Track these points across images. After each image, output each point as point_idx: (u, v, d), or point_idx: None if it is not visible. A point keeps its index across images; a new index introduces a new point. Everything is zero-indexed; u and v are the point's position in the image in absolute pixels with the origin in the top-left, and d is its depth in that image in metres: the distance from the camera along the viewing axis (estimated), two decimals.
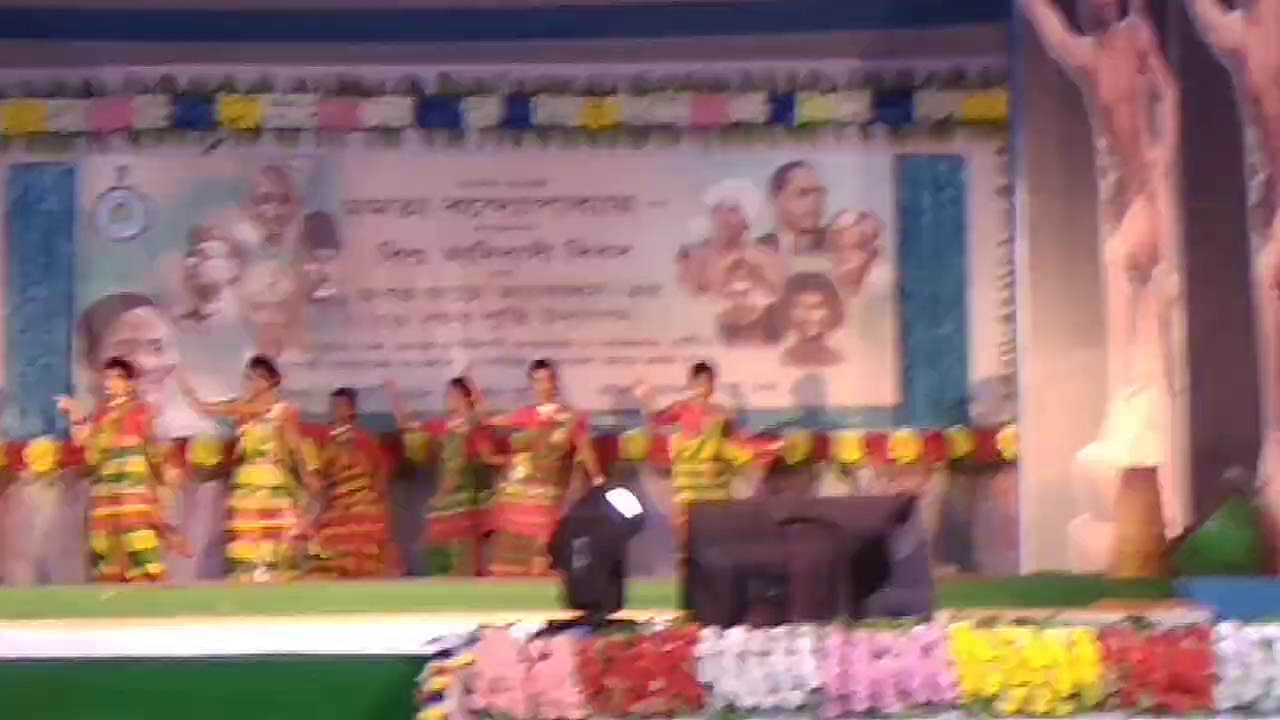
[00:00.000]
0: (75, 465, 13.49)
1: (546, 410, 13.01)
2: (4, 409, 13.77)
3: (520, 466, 12.90)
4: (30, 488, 13.63)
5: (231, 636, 6.69)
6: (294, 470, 12.66)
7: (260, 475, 12.61)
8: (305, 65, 13.87)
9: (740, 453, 13.15)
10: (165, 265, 13.99)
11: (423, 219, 14.02)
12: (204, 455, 13.50)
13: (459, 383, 13.30)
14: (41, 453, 13.56)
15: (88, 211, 13.93)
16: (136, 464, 12.60)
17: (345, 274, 14.01)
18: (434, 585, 11.92)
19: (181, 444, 13.47)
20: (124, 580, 12.31)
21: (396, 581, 12.59)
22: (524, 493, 12.84)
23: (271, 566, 12.46)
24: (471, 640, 5.58)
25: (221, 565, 12.90)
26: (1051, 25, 11.01)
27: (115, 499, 12.51)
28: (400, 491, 13.46)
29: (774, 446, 13.36)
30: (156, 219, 13.97)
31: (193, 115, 13.91)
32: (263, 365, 12.93)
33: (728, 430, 13.06)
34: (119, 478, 12.55)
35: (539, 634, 5.62)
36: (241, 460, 12.72)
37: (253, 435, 12.65)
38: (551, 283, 13.99)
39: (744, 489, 13.21)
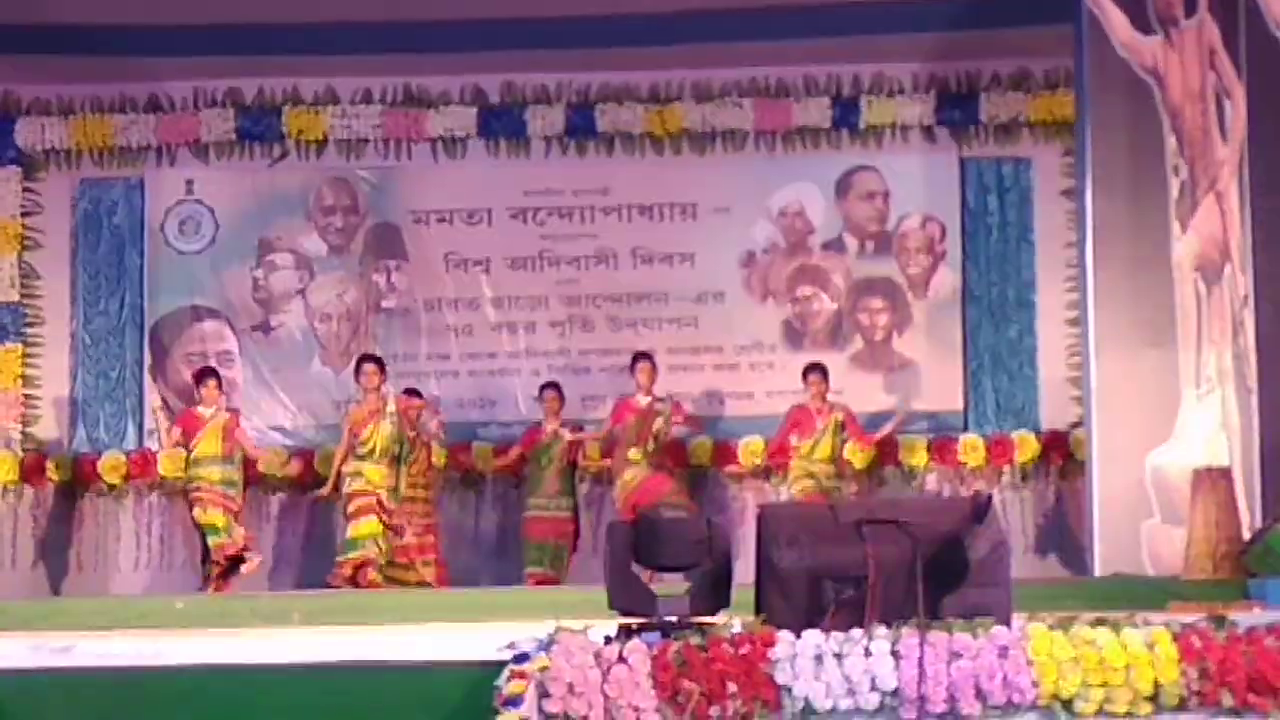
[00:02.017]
0: (145, 478, 13.61)
1: (644, 400, 13.02)
2: (75, 421, 13.86)
3: (634, 458, 12.87)
4: (101, 499, 13.70)
5: (305, 645, 6.69)
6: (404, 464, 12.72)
7: (380, 474, 12.59)
8: (369, 77, 13.93)
9: (858, 451, 13.12)
10: (232, 277, 14.07)
11: (487, 228, 14.06)
12: (326, 467, 13.33)
13: (553, 386, 13.31)
14: (113, 465, 13.65)
15: (156, 225, 14.02)
16: (235, 473, 12.79)
17: (411, 284, 14.06)
18: (507, 592, 11.96)
19: (305, 454, 13.54)
20: (239, 550, 12.54)
21: (469, 589, 12.61)
22: (643, 469, 12.78)
23: (380, 549, 12.48)
24: (547, 644, 5.58)
25: (324, 569, 12.94)
26: (1119, 24, 10.97)
27: (228, 498, 12.70)
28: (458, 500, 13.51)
29: (888, 427, 13.29)
30: (224, 231, 14.05)
31: (258, 128, 13.98)
32: (373, 361, 12.92)
33: (843, 428, 13.00)
34: (229, 483, 12.74)
35: (614, 638, 5.62)
36: (366, 458, 12.63)
37: (381, 433, 12.61)
38: (616, 290, 14.00)
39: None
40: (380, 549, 12.48)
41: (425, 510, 13.04)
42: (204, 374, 13.11)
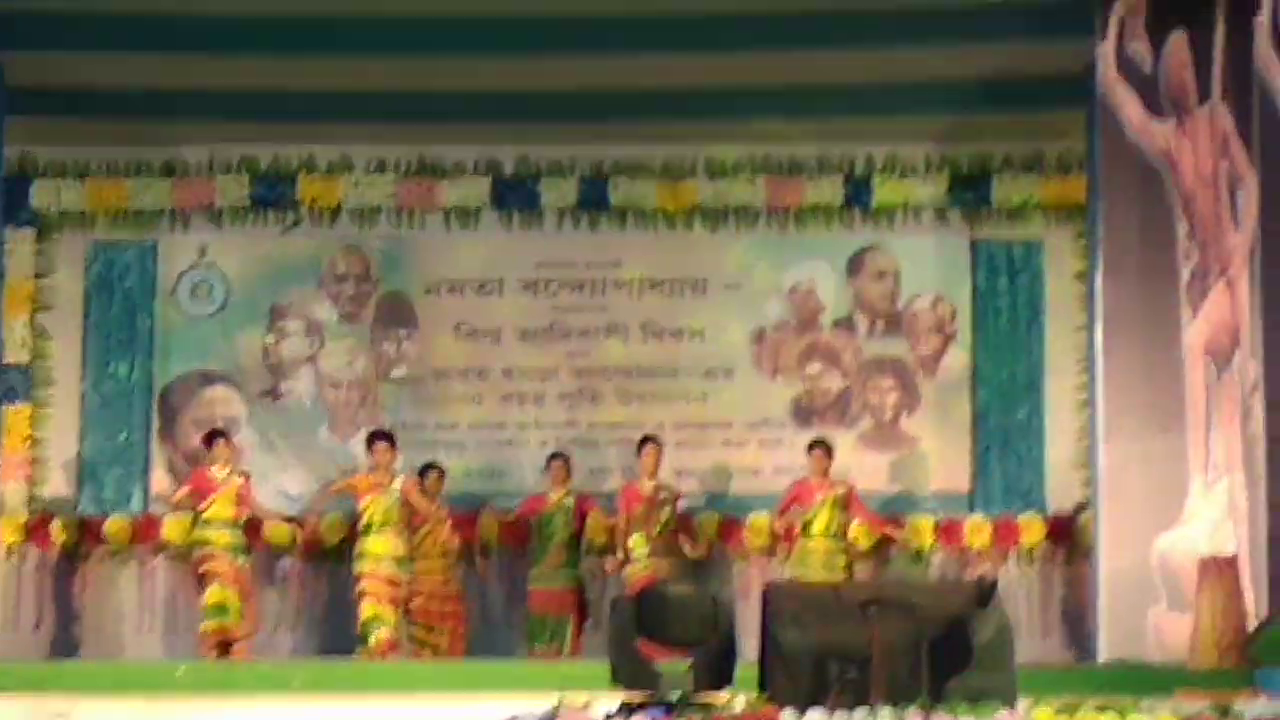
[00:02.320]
0: (150, 542, 13.60)
1: (649, 486, 13.01)
2: (82, 483, 13.85)
3: (638, 547, 12.87)
4: (106, 563, 13.67)
5: (305, 713, 6.68)
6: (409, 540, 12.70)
7: (385, 545, 12.61)
8: (384, 145, 13.97)
9: (863, 532, 13.08)
10: (243, 343, 14.08)
11: (499, 299, 14.08)
12: (332, 534, 13.48)
13: (560, 457, 13.30)
14: (118, 528, 13.63)
15: (168, 289, 14.05)
16: (244, 537, 12.78)
17: (421, 353, 14.07)
18: (509, 664, 11.91)
19: (299, 522, 13.51)
20: (237, 638, 12.48)
21: (472, 660, 12.56)
22: (654, 565, 12.78)
23: (389, 626, 12.46)
24: (549, 718, 5.56)
25: (332, 635, 12.99)
26: (1132, 109, 11.00)
27: (237, 567, 12.67)
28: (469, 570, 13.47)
29: (896, 533, 13.27)
30: (235, 297, 14.08)
31: (273, 194, 14.02)
32: (385, 438, 12.93)
33: (845, 504, 12.96)
34: (238, 549, 12.70)
35: (617, 713, 5.60)
36: (366, 531, 12.68)
37: (379, 506, 12.65)
38: (626, 364, 14.00)
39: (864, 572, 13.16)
40: (392, 625, 12.46)
41: (444, 579, 13.00)
42: (215, 435, 13.11)
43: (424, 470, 13.23)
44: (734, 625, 5.93)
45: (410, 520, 12.81)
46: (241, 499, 12.83)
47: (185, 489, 12.97)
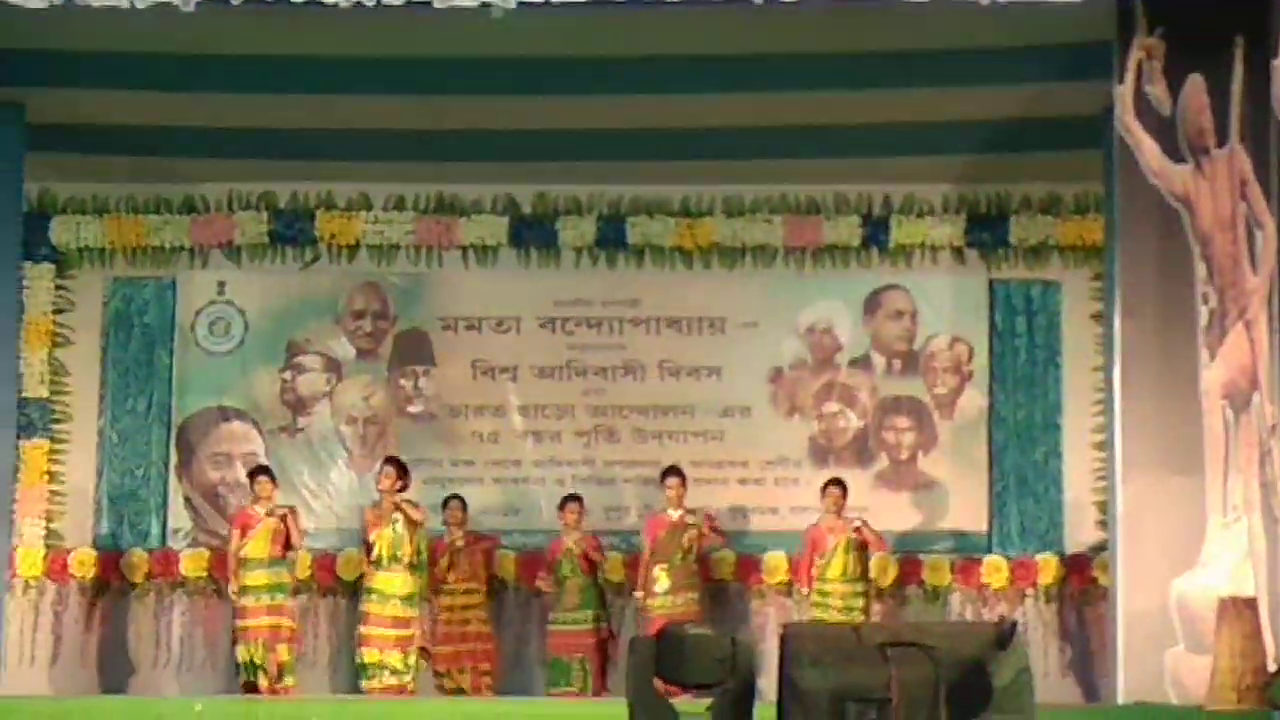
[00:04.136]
0: (167, 577, 13.62)
1: (675, 514, 13.01)
2: (99, 519, 13.87)
3: (660, 580, 12.87)
4: (123, 598, 13.69)
5: None
6: (421, 571, 12.70)
7: (393, 583, 12.62)
8: (403, 184, 14.04)
9: (881, 568, 13.07)
10: (261, 379, 14.12)
11: (516, 336, 14.11)
12: (348, 571, 13.52)
13: (574, 499, 13.30)
14: (135, 563, 13.65)
15: (186, 325, 14.09)
16: (286, 575, 12.79)
17: (438, 390, 14.09)
18: (527, 703, 11.92)
19: (328, 558, 13.56)
20: (272, 691, 12.47)
21: (490, 699, 12.56)
22: (671, 603, 12.77)
23: (397, 674, 12.48)
24: None
25: (349, 672, 13.01)
26: (1150, 151, 11.01)
27: (275, 610, 12.67)
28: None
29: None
30: (253, 333, 14.12)
31: (291, 231, 14.08)
32: (394, 465, 12.95)
33: (860, 545, 12.90)
34: (276, 588, 12.68)
35: None
36: (377, 564, 12.71)
37: (386, 539, 12.67)
38: (643, 402, 14.01)
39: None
40: (396, 670, 12.46)
41: (464, 618, 13.01)
42: (257, 472, 13.12)
43: (446, 502, 13.26)
44: (754, 666, 5.92)
45: (430, 554, 12.82)
46: (276, 537, 12.76)
47: (235, 534, 12.92)
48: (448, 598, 13.02)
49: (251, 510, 12.91)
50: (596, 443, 13.99)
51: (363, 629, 12.68)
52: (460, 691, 12.80)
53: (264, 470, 13.15)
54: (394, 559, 12.61)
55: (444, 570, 13.00)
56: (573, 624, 12.97)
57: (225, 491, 13.85)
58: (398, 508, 12.65)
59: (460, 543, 13.16)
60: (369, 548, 12.75)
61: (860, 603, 12.77)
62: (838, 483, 13.09)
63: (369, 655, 12.57)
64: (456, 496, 13.35)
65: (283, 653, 12.64)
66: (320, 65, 12.38)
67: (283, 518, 12.83)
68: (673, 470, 13.19)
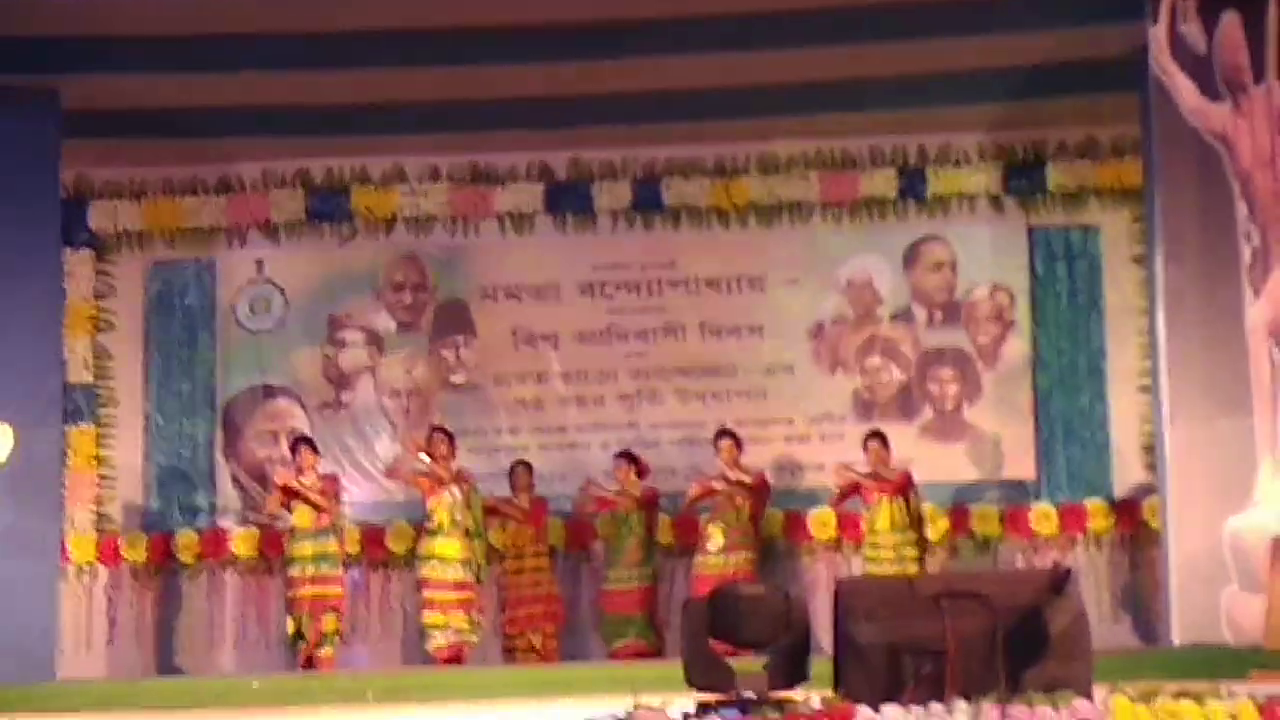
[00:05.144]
0: (218, 557, 13.68)
1: (732, 476, 13.02)
2: (149, 501, 13.94)
3: (714, 537, 12.89)
4: (176, 578, 13.76)
5: None
6: (476, 538, 12.75)
7: (453, 547, 12.68)
8: (436, 155, 14.03)
9: (929, 518, 13.04)
10: (303, 356, 14.15)
11: (556, 303, 14.11)
12: (398, 543, 13.57)
13: (628, 455, 13.30)
14: (186, 544, 13.72)
15: (227, 305, 14.13)
16: (333, 545, 12.83)
17: (480, 360, 14.11)
18: (585, 667, 11.94)
19: (375, 530, 13.60)
20: (308, 659, 12.64)
21: (546, 666, 12.60)
22: (725, 562, 12.79)
23: (462, 633, 12.56)
24: None
25: (405, 642, 13.15)
26: (1186, 91, 10.95)
27: (320, 579, 12.74)
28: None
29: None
30: (294, 310, 14.15)
31: (328, 207, 14.09)
32: (443, 433, 13.01)
33: (905, 495, 12.89)
34: (321, 558, 12.75)
35: (693, 715, 5.60)
36: (434, 533, 12.78)
37: (445, 505, 12.74)
38: (685, 364, 14.00)
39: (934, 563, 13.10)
40: (460, 630, 12.53)
41: (535, 579, 13.06)
42: (299, 443, 13.20)
43: (512, 468, 13.30)
44: (808, 622, 5.92)
45: (498, 520, 12.91)
46: (319, 507, 12.85)
47: (274, 498, 13.04)
48: (518, 561, 13.06)
49: (296, 481, 12.95)
50: (640, 406, 13.99)
51: (426, 593, 12.73)
52: (532, 650, 12.85)
53: (306, 440, 13.21)
54: (453, 523, 12.67)
55: (511, 539, 13.04)
56: (629, 581, 12.98)
57: (272, 469, 13.89)
58: (455, 479, 12.71)
59: (528, 506, 13.19)
60: (427, 513, 12.80)
61: (912, 552, 12.74)
62: (877, 435, 13.07)
63: (432, 618, 12.64)
64: (524, 462, 13.37)
65: (327, 623, 12.72)
66: (349, 40, 12.37)
67: (329, 482, 12.91)
68: (725, 432, 13.19)
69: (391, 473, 13.53)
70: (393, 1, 11.41)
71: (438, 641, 12.62)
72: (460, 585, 12.67)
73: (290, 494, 12.88)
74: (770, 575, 12.91)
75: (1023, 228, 13.90)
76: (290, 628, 12.78)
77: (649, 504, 13.13)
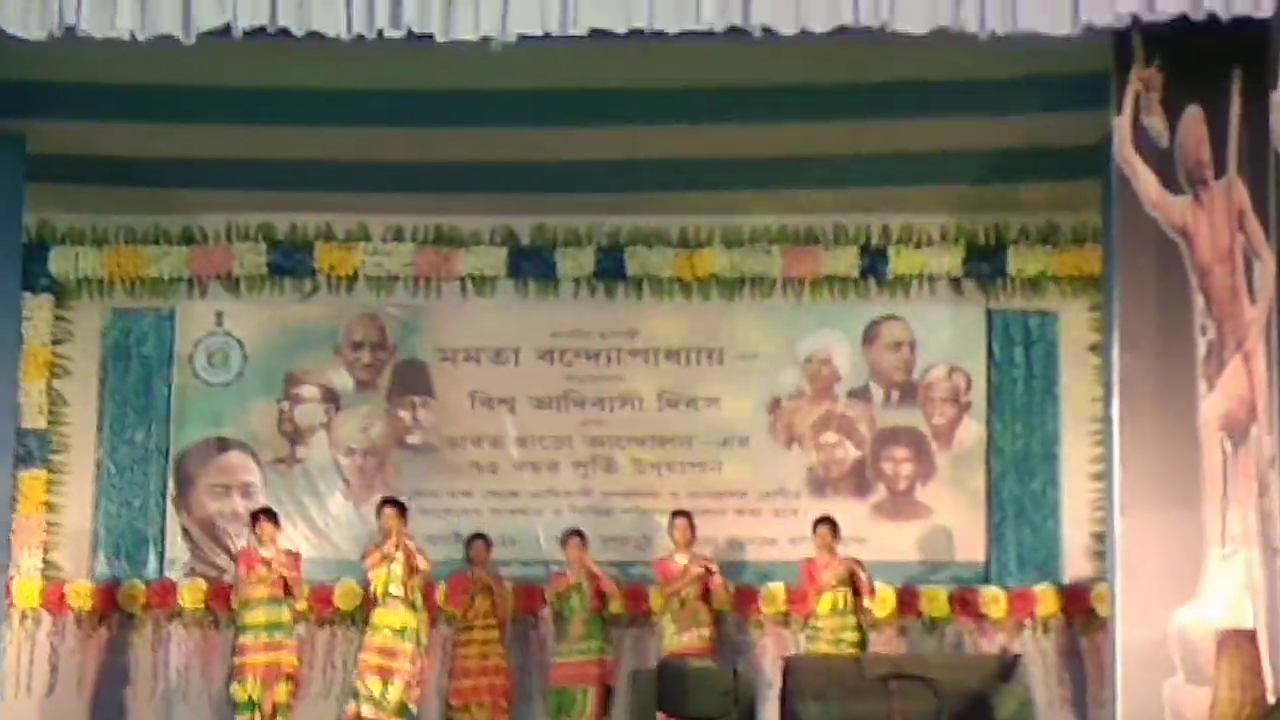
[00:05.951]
0: (164, 608, 13.61)
1: (682, 560, 13.00)
2: (96, 549, 13.85)
3: (669, 623, 12.86)
4: (119, 629, 13.67)
5: None
6: (419, 611, 12.69)
7: (388, 616, 12.63)
8: (401, 215, 14.05)
9: (875, 603, 12.99)
10: (259, 410, 14.12)
11: (514, 367, 14.12)
12: (346, 602, 13.55)
13: (577, 533, 13.27)
14: (132, 594, 13.64)
15: (185, 356, 14.10)
16: (287, 613, 12.75)
17: (436, 421, 14.10)
18: None
19: (324, 589, 13.55)
20: None
21: None
22: (678, 642, 12.67)
23: (372, 701, 12.46)
24: None
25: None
26: (1148, 183, 11.00)
27: (273, 646, 12.64)
28: None
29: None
30: (251, 364, 14.12)
31: (290, 263, 14.10)
32: (394, 505, 12.94)
33: (852, 581, 12.85)
34: (275, 626, 12.66)
35: None
36: (376, 602, 12.72)
37: (381, 578, 12.67)
38: (641, 433, 14.01)
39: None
40: (371, 697, 12.44)
41: (484, 652, 12.98)
42: (259, 515, 13.11)
43: (470, 540, 13.26)
44: (755, 698, 5.93)
45: (428, 593, 12.85)
46: (276, 580, 12.75)
47: (241, 571, 12.91)
48: (467, 633, 13.01)
49: (258, 553, 12.87)
50: (594, 473, 13.99)
51: (360, 655, 12.72)
52: None
53: (267, 512, 13.12)
54: (389, 595, 12.61)
55: (464, 608, 12.98)
56: (580, 654, 12.94)
57: (223, 522, 13.87)
58: (408, 552, 12.63)
59: (484, 580, 13.13)
60: (368, 586, 12.76)
61: (851, 636, 12.72)
62: (826, 521, 13.06)
63: (355, 679, 12.61)
64: (481, 536, 13.31)
65: (280, 693, 12.61)
66: (319, 97, 12.36)
67: (292, 559, 12.85)
68: (681, 513, 13.19)
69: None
70: (363, 62, 11.40)
71: (348, 709, 12.56)
72: (384, 652, 12.56)
73: (253, 564, 12.76)
74: (718, 648, 12.87)
75: (982, 311, 13.98)
76: (239, 695, 12.63)
77: (594, 585, 13.07)
